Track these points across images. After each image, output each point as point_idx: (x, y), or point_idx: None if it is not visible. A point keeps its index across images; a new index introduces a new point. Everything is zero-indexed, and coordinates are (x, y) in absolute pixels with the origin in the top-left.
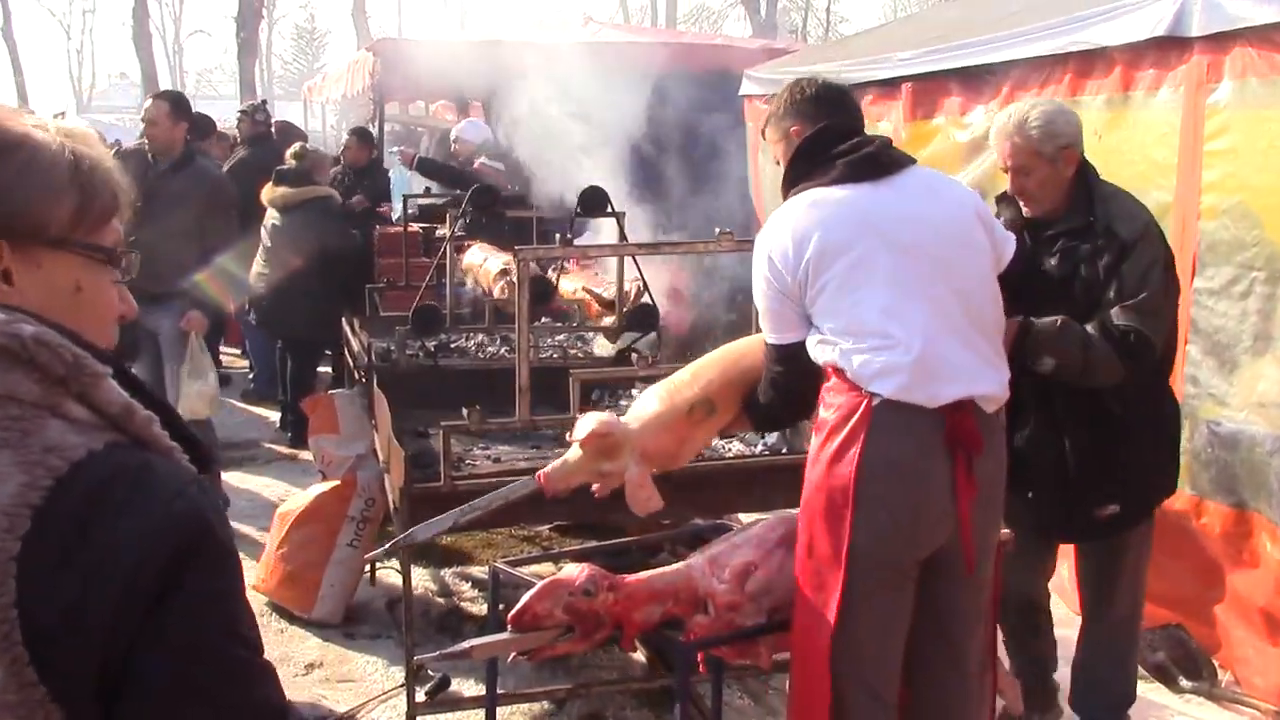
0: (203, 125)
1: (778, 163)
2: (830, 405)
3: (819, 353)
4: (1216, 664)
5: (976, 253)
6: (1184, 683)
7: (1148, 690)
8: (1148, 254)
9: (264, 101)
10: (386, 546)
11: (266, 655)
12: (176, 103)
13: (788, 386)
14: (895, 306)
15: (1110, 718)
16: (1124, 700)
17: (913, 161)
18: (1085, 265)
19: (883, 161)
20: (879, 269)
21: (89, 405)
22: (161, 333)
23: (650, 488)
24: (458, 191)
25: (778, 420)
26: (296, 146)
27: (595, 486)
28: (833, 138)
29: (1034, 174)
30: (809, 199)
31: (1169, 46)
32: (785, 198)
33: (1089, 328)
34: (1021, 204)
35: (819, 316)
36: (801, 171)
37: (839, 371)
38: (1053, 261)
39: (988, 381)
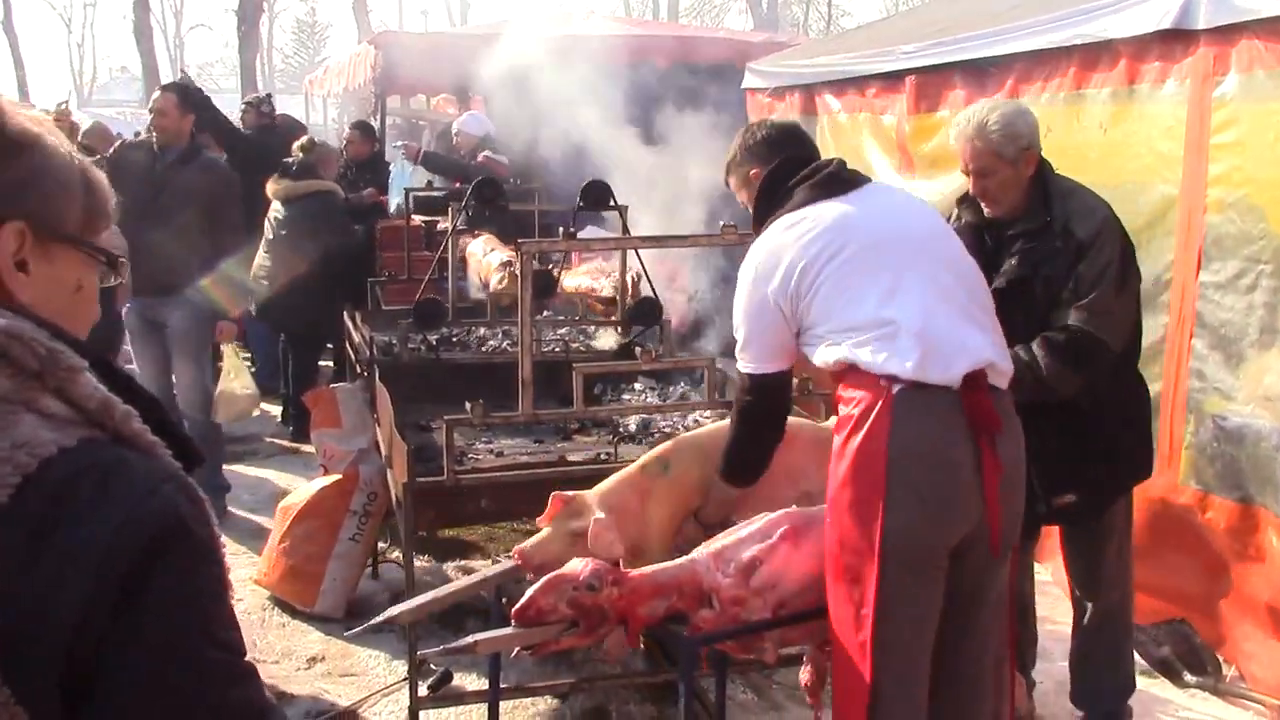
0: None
1: (745, 207)
2: (849, 401)
3: (826, 354)
4: (1221, 659)
5: (956, 241)
6: (1188, 677)
7: (1152, 685)
8: (1104, 253)
9: (269, 95)
10: (370, 623)
11: (269, 649)
12: (185, 94)
13: (757, 418)
14: (890, 294)
15: (1110, 706)
16: (1123, 689)
17: (869, 180)
18: (1044, 265)
19: (845, 178)
20: (868, 263)
21: (66, 400)
22: (170, 325)
23: (613, 533)
24: (458, 185)
25: (747, 460)
26: (304, 139)
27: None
28: (792, 169)
29: (995, 175)
30: (784, 223)
31: (1175, 39)
32: (758, 234)
33: (1034, 346)
34: (983, 205)
35: (818, 321)
36: (768, 206)
37: (852, 367)
38: (1012, 262)
39: (994, 351)
